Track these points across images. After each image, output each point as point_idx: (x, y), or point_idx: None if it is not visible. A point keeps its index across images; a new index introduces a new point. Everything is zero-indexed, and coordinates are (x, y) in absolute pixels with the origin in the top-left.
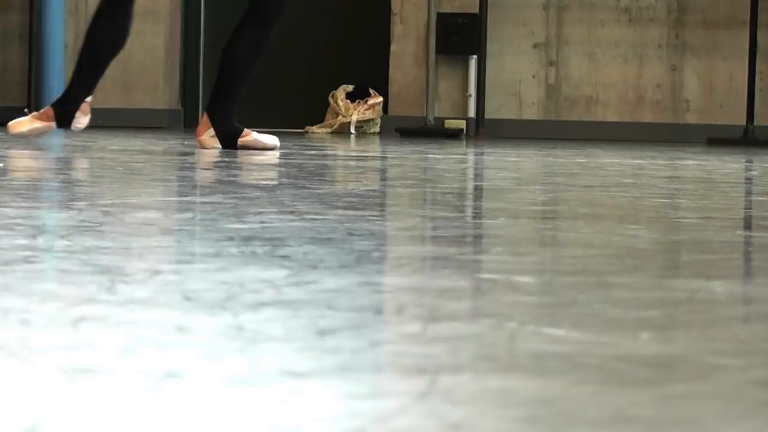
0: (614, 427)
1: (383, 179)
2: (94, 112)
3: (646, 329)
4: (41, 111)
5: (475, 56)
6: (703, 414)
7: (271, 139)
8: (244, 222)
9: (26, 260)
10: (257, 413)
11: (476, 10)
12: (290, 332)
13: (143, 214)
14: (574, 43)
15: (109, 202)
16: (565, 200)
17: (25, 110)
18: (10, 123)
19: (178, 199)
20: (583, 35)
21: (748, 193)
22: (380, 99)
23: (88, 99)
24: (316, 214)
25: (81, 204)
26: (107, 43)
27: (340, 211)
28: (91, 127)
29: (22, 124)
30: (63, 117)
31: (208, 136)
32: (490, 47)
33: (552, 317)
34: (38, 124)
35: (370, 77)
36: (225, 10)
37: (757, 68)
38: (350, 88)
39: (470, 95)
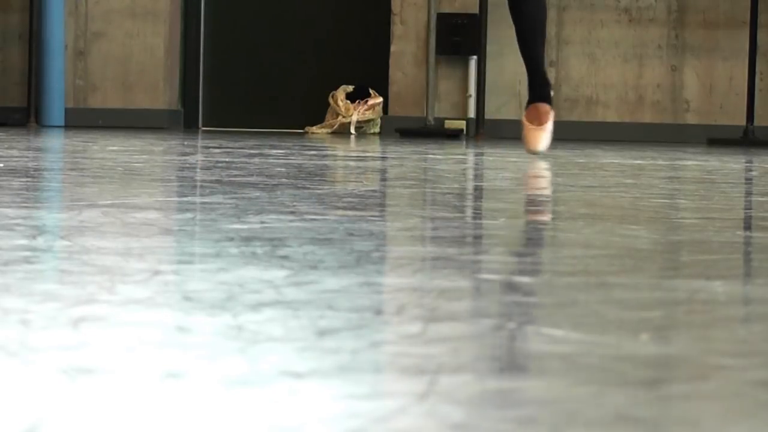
0: (614, 427)
1: (383, 179)
2: (94, 112)
3: (646, 330)
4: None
5: (475, 56)
6: (703, 414)
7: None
8: (244, 222)
9: (26, 260)
10: (257, 413)
11: (476, 11)
12: (290, 332)
13: (143, 214)
14: (574, 44)
15: (109, 202)
16: (565, 200)
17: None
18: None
19: (177, 199)
20: (583, 35)
21: (748, 193)
22: (380, 99)
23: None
24: (316, 214)
25: (81, 204)
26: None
27: (340, 212)
28: (91, 127)
29: (539, 141)
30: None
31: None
32: (490, 47)
33: (552, 318)
34: (544, 130)
35: (370, 77)
36: (225, 11)
37: (757, 68)
38: (350, 88)
39: (470, 96)
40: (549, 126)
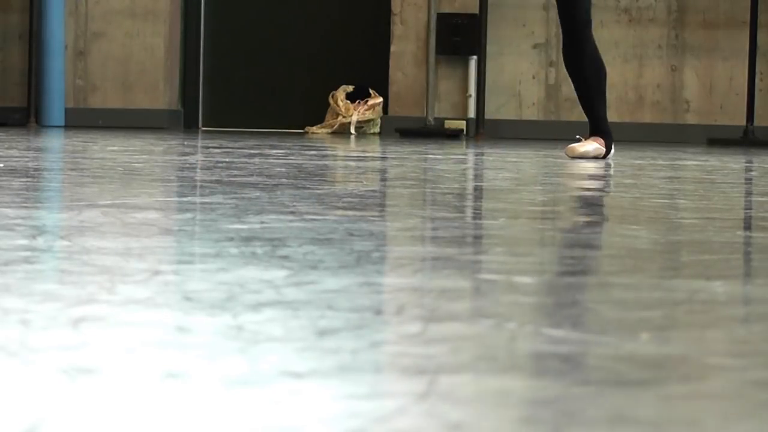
0: (614, 427)
1: (383, 180)
2: (94, 112)
3: (646, 329)
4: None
5: (475, 57)
6: (703, 414)
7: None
8: (244, 222)
9: (26, 260)
10: (257, 413)
11: (476, 11)
12: (290, 332)
13: (143, 214)
14: None
15: (109, 202)
16: (565, 201)
17: (577, 136)
18: (573, 146)
19: (177, 199)
20: None
21: (748, 193)
22: (380, 99)
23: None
24: (316, 214)
25: (81, 204)
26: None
27: (340, 212)
28: (91, 127)
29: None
30: (609, 148)
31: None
32: (490, 48)
33: (552, 317)
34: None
35: (370, 77)
36: (225, 11)
37: (757, 68)
38: (350, 88)
39: (470, 96)
40: (592, 143)
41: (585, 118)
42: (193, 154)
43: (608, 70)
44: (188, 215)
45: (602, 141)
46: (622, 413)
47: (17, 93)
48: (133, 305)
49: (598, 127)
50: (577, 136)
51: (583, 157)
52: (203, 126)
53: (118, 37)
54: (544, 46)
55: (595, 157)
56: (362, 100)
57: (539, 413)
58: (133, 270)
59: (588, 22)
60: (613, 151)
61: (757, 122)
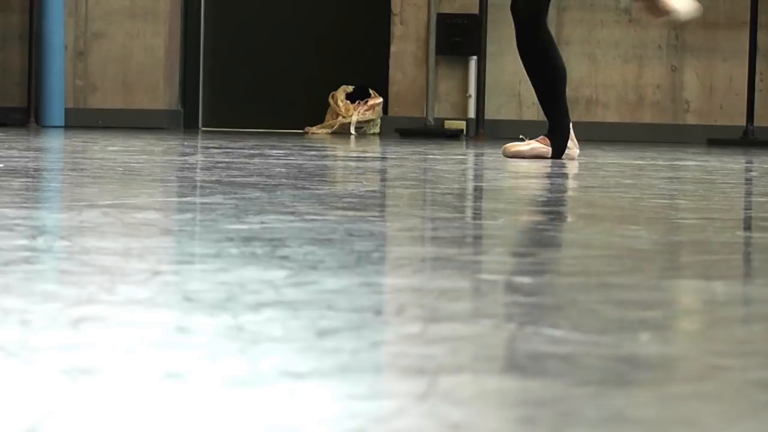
0: (614, 427)
1: (383, 180)
2: (94, 112)
3: (646, 330)
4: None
5: (475, 57)
6: (703, 414)
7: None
8: (244, 222)
9: (26, 261)
10: (257, 413)
11: (476, 11)
12: (290, 333)
13: (143, 214)
14: (574, 44)
15: (109, 202)
16: (565, 200)
17: (521, 137)
18: (508, 145)
19: (177, 199)
20: (583, 36)
21: (748, 193)
22: (380, 99)
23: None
24: (316, 214)
25: (81, 204)
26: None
27: (340, 212)
28: (91, 127)
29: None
30: (559, 149)
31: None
32: (490, 48)
33: (552, 318)
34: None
35: (370, 78)
36: (225, 11)
37: (757, 69)
38: (350, 88)
39: (470, 96)
40: (529, 143)
41: (585, 119)
42: (193, 154)
43: (608, 70)
44: (188, 215)
45: (546, 140)
46: (622, 413)
47: (17, 93)
48: (133, 305)
49: (550, 126)
50: (521, 137)
51: (516, 156)
52: (203, 126)
53: (118, 37)
54: None
55: (538, 157)
56: (362, 100)
57: (539, 413)
58: (133, 270)
59: (537, 13)
60: (572, 151)
61: (757, 122)
